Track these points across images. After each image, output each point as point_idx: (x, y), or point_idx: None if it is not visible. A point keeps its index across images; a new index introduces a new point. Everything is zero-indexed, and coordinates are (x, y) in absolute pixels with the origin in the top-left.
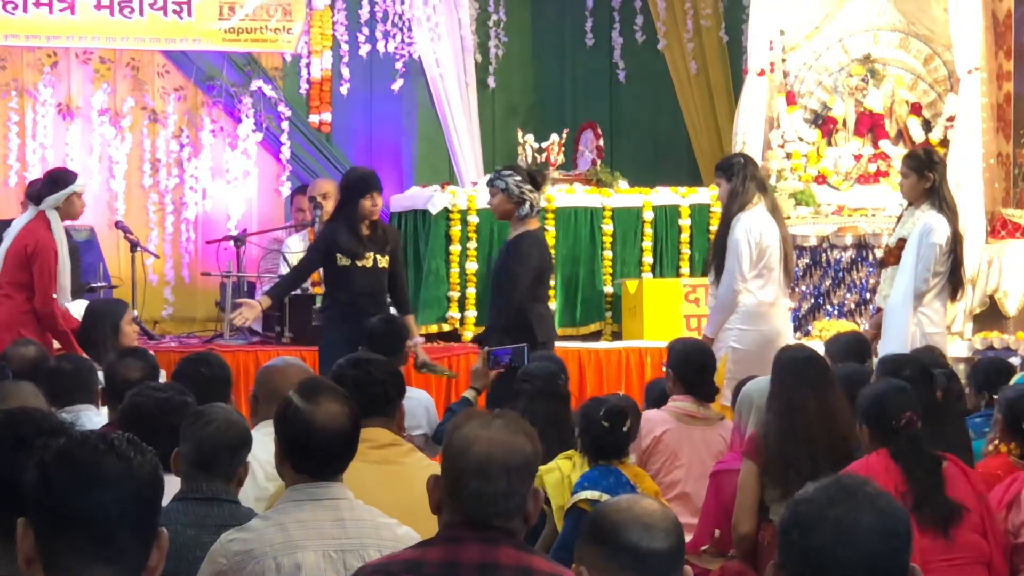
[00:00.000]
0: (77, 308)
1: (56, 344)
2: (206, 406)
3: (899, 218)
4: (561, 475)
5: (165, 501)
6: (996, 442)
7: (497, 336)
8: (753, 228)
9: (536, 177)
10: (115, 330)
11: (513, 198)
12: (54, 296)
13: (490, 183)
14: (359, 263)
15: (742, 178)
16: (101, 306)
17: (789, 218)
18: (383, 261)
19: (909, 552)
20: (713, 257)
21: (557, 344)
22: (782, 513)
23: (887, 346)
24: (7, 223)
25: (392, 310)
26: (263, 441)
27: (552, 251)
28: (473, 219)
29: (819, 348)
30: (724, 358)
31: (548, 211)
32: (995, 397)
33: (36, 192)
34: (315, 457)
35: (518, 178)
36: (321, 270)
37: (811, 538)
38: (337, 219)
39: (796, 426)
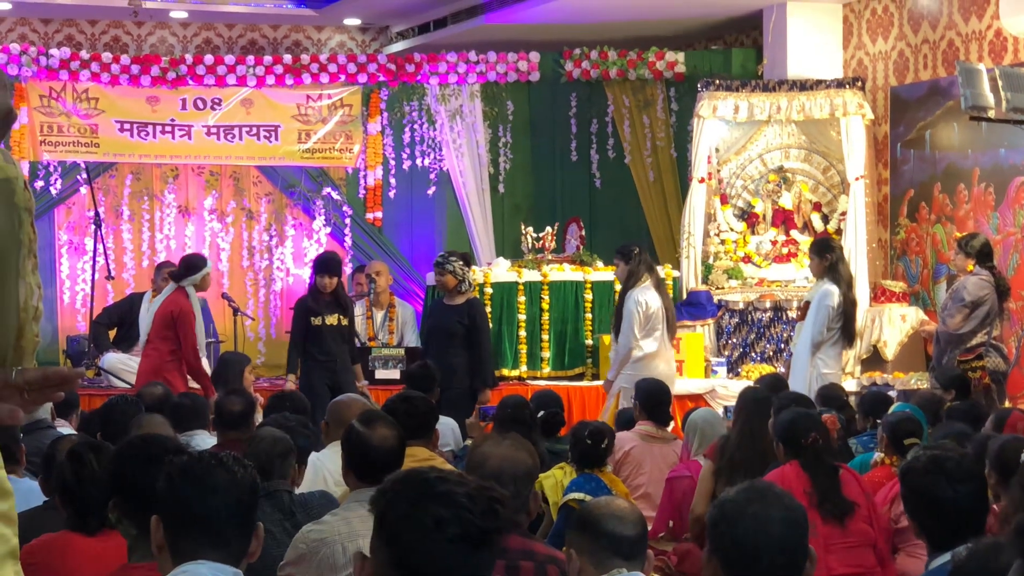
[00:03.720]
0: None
1: (192, 384)
2: (262, 430)
3: (810, 288)
4: (555, 480)
5: None
6: (882, 455)
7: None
8: (641, 300)
9: (468, 258)
10: (240, 375)
11: (457, 277)
12: (199, 348)
13: (439, 266)
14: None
15: (637, 262)
16: (231, 356)
17: (723, 288)
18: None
19: (807, 537)
20: (614, 320)
21: (552, 383)
22: (711, 511)
23: (793, 383)
24: (141, 295)
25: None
26: (333, 456)
27: (547, 313)
28: (488, 290)
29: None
30: (618, 395)
31: (544, 283)
32: (879, 421)
33: (177, 272)
34: (372, 468)
35: (461, 262)
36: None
37: (735, 529)
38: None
39: (750, 442)
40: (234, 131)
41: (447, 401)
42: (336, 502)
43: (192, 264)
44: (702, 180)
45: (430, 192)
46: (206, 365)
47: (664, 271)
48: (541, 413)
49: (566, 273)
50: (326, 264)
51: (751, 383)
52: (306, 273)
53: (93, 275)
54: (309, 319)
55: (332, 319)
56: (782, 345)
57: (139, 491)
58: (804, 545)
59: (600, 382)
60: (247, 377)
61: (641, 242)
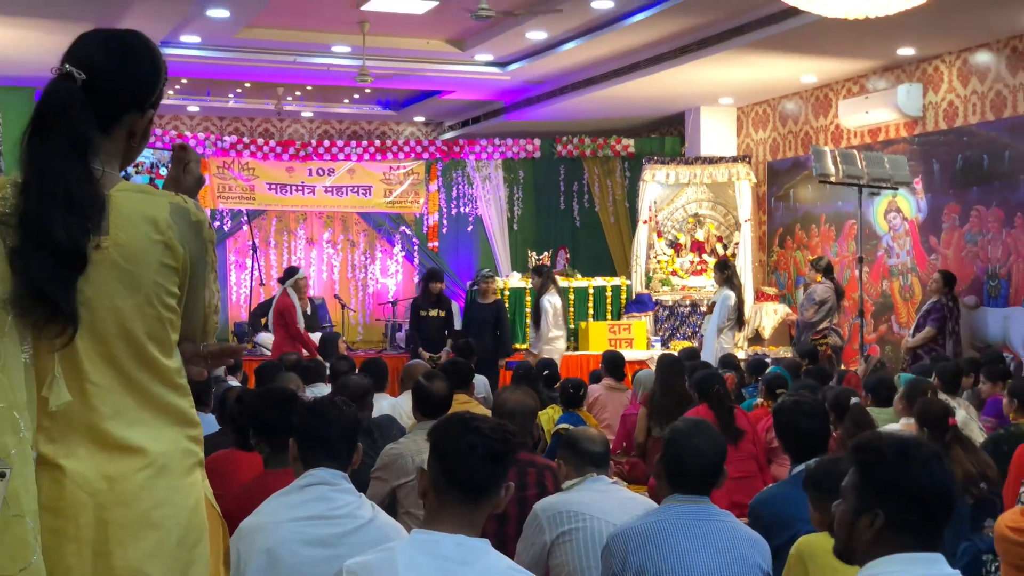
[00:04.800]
0: (316, 338)
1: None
2: (350, 378)
3: (714, 293)
4: (549, 416)
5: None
6: (761, 400)
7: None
8: (552, 301)
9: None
10: (335, 346)
11: (495, 285)
12: (299, 327)
13: (487, 278)
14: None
15: (546, 277)
16: (328, 335)
17: (658, 292)
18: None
19: (724, 460)
20: (533, 316)
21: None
22: (665, 434)
23: (705, 354)
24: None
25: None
26: (406, 401)
27: None
28: (506, 293)
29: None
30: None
31: None
32: (759, 378)
33: (281, 278)
34: (431, 408)
35: (494, 276)
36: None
37: (679, 450)
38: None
39: (668, 393)
40: (343, 189)
41: (482, 365)
42: (396, 421)
43: (289, 272)
44: (645, 222)
45: (469, 229)
46: (315, 338)
47: (620, 281)
48: (545, 372)
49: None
50: (436, 274)
51: (674, 352)
52: (391, 282)
53: (251, 283)
54: (419, 312)
55: (435, 312)
56: (696, 329)
57: (271, 422)
58: (721, 465)
59: (581, 352)
60: (341, 346)
61: (547, 265)
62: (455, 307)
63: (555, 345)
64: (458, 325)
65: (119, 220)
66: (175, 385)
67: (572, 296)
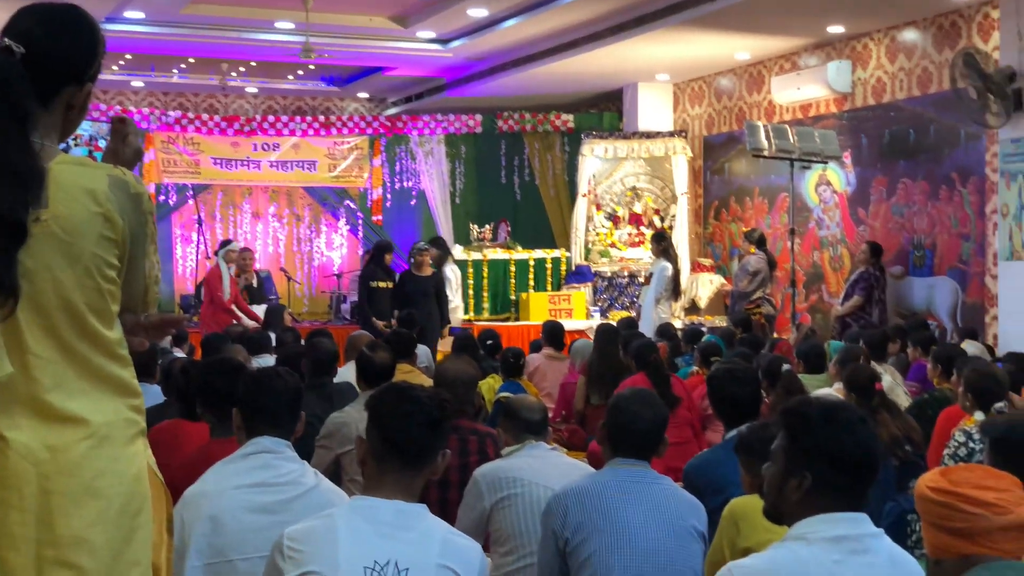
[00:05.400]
0: (261, 310)
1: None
2: (314, 342)
3: (651, 264)
4: (489, 385)
5: None
6: (696, 368)
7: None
8: (453, 272)
9: (441, 244)
10: (281, 318)
11: (434, 257)
12: (223, 295)
13: (423, 250)
14: (382, 285)
15: (444, 252)
16: (273, 307)
17: (597, 263)
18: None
19: (664, 429)
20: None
21: (490, 323)
22: (610, 401)
23: (642, 324)
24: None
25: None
26: (351, 371)
27: (486, 279)
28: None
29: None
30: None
31: (484, 261)
32: (695, 347)
33: (216, 251)
34: (375, 377)
35: (435, 249)
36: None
37: (622, 416)
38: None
39: (606, 362)
40: (288, 164)
41: (425, 335)
42: (355, 388)
43: (223, 244)
44: (585, 195)
45: (412, 203)
46: (260, 311)
47: (560, 253)
48: (489, 342)
49: (498, 254)
50: (390, 245)
51: (612, 322)
52: (335, 255)
53: (196, 256)
54: (370, 283)
55: (385, 283)
56: (635, 299)
57: (217, 392)
58: (662, 433)
59: (521, 323)
60: (286, 318)
61: (442, 238)
62: (448, 278)
63: (456, 315)
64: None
65: (59, 193)
66: (116, 355)
67: (513, 268)
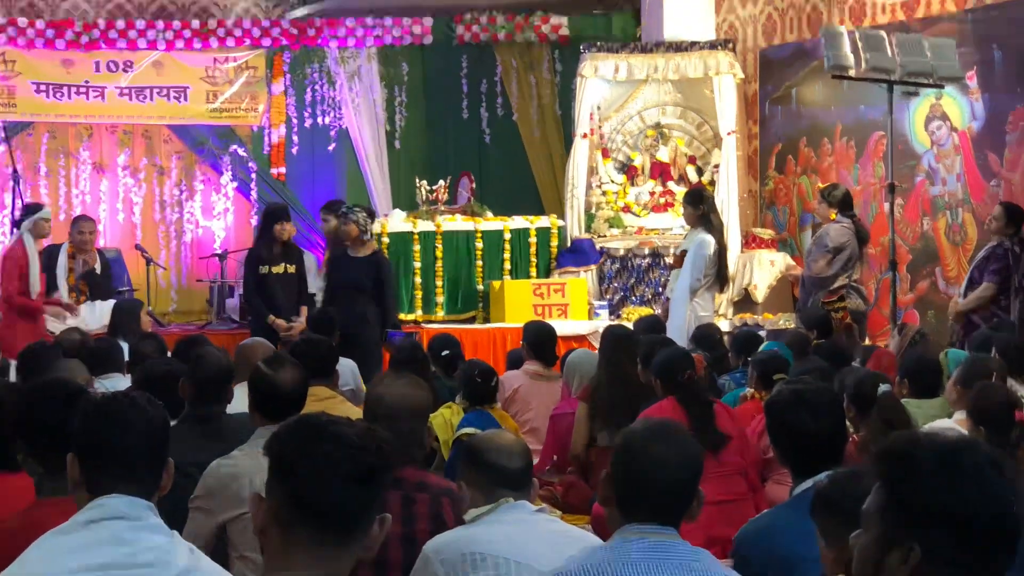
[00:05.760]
0: (107, 307)
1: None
2: (201, 353)
3: (685, 236)
4: (444, 419)
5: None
6: (752, 391)
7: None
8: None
9: (373, 214)
10: (136, 320)
11: (360, 228)
12: (13, 286)
13: (344, 216)
14: (274, 270)
15: (366, 224)
16: (125, 304)
17: (604, 236)
18: (291, 269)
19: (699, 479)
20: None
21: (446, 326)
22: (617, 440)
23: (671, 325)
24: (58, 247)
25: None
26: (239, 396)
27: (440, 261)
28: (385, 239)
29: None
30: None
31: (437, 233)
32: (749, 359)
33: (17, 220)
34: (278, 407)
35: (364, 214)
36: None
37: (634, 463)
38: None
39: (618, 379)
40: (145, 92)
41: (360, 349)
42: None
43: (29, 210)
44: (585, 136)
45: (330, 148)
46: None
47: (549, 221)
48: (444, 353)
49: (458, 223)
50: (280, 211)
51: (627, 324)
52: (215, 226)
53: (12, 229)
54: (258, 268)
55: (280, 268)
56: (660, 289)
57: (45, 430)
58: (695, 486)
59: (492, 325)
60: (144, 320)
61: (343, 201)
62: (311, 260)
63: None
64: (314, 286)
65: None
66: None
67: (479, 243)
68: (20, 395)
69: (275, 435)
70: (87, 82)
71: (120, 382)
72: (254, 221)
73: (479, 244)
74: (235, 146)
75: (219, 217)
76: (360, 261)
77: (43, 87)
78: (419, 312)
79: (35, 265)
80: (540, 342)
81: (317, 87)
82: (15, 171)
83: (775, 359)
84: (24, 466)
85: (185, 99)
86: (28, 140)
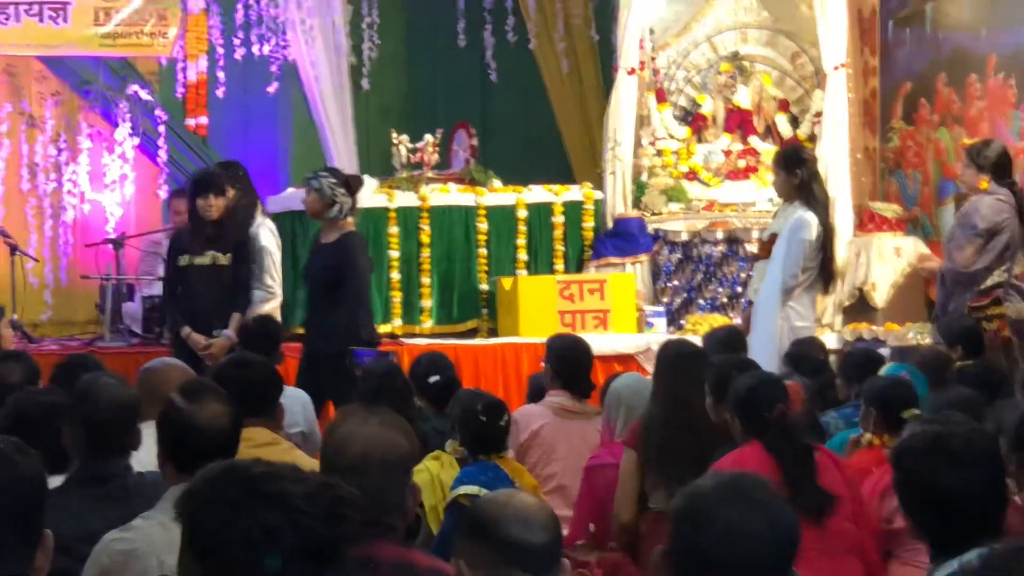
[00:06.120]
0: None
1: None
2: (91, 383)
3: (775, 215)
4: (431, 475)
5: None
6: (869, 436)
7: (365, 333)
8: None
9: (351, 182)
10: None
11: (325, 199)
12: None
13: (306, 182)
14: (197, 262)
15: (249, 191)
16: None
17: (660, 214)
18: (222, 260)
19: (795, 555)
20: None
21: (435, 341)
22: (676, 502)
23: (755, 340)
24: None
25: None
26: (147, 442)
27: (427, 249)
28: (349, 218)
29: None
30: None
31: (423, 210)
32: (865, 388)
33: None
34: (198, 456)
35: (333, 180)
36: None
37: (701, 535)
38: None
39: (681, 417)
40: (8, 10)
41: (325, 370)
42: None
43: None
44: (632, 71)
45: (271, 89)
46: None
47: (582, 191)
48: (435, 379)
49: (452, 196)
50: (210, 179)
51: (692, 338)
52: (107, 199)
53: None
54: (178, 258)
55: (205, 259)
56: (739, 289)
57: None
58: (786, 568)
59: (500, 339)
60: (5, 334)
61: (238, 163)
62: (265, 248)
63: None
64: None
65: None
66: None
67: (483, 223)
68: None
69: (188, 493)
70: None
71: None
72: (164, 193)
73: (482, 225)
74: (135, 86)
75: (113, 187)
76: (327, 249)
77: None
78: (397, 322)
79: None
80: (569, 364)
81: (252, 2)
82: None
83: (899, 387)
84: None
85: (65, 20)
86: None
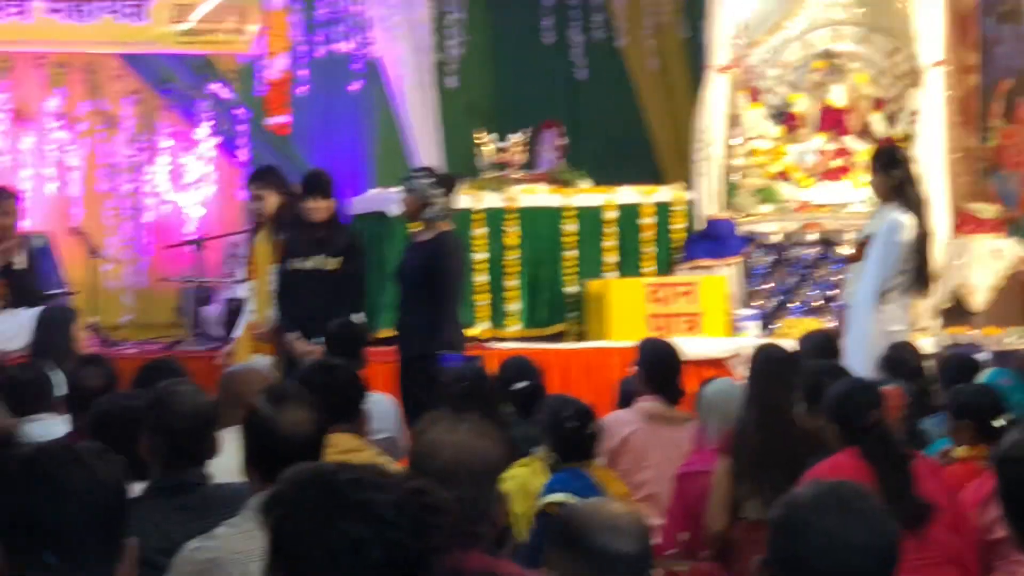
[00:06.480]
0: (30, 316)
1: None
2: (168, 391)
3: (870, 216)
4: (520, 482)
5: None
6: (963, 450)
7: (448, 337)
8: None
9: (447, 180)
10: (69, 337)
11: (420, 200)
12: None
13: (403, 182)
14: (304, 266)
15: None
16: (51, 314)
17: (752, 216)
18: (331, 265)
19: (894, 570)
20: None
21: (521, 345)
22: (774, 511)
23: (850, 344)
24: None
25: None
26: (226, 447)
27: (514, 251)
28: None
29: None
30: None
31: (510, 211)
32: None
33: None
34: (281, 463)
35: (429, 181)
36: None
37: (799, 545)
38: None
39: (775, 423)
40: (86, 7)
41: (414, 373)
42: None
43: None
44: (723, 69)
45: (354, 88)
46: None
47: (672, 192)
48: (522, 385)
49: (540, 197)
50: (318, 181)
51: (784, 343)
52: (186, 200)
53: None
54: (289, 262)
55: (312, 263)
56: (833, 292)
57: None
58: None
59: (589, 343)
60: (81, 336)
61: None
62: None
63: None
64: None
65: None
66: None
67: (573, 226)
68: None
69: (271, 500)
70: None
71: (54, 427)
72: (243, 194)
73: (570, 227)
74: (215, 85)
75: (192, 188)
76: (420, 248)
77: None
78: (484, 325)
79: None
80: (660, 369)
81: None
82: None
83: (987, 396)
84: None
85: (144, 16)
86: None
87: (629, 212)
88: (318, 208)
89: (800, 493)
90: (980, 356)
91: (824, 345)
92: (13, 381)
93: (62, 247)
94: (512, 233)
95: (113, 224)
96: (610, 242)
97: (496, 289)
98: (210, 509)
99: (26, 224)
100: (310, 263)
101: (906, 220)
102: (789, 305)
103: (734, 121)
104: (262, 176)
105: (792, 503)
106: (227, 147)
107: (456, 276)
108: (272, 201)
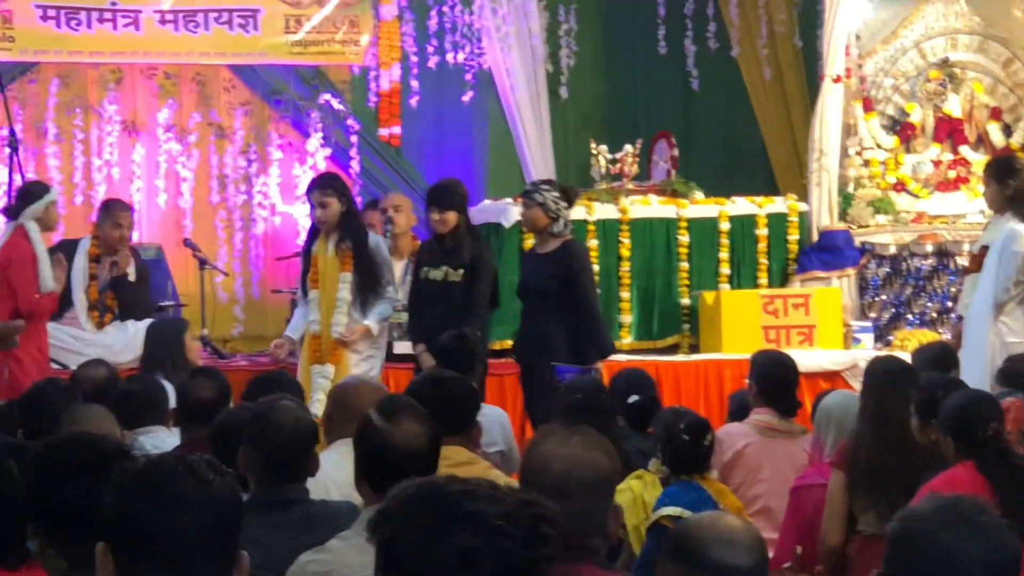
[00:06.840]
0: (141, 328)
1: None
2: (269, 407)
3: (986, 227)
4: (633, 495)
5: None
6: None
7: (599, 344)
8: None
9: (569, 193)
10: (180, 348)
11: (549, 213)
12: (37, 297)
13: (527, 196)
14: (432, 275)
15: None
16: (162, 326)
17: (867, 227)
18: (455, 276)
19: None
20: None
21: (634, 357)
22: (893, 525)
23: (966, 356)
24: (75, 243)
25: None
26: (336, 459)
27: (627, 263)
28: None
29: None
30: None
31: (623, 222)
32: None
33: (12, 207)
34: (394, 477)
35: (556, 194)
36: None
37: (918, 559)
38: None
39: (891, 436)
40: (198, 18)
41: (539, 383)
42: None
43: (26, 194)
44: (838, 79)
45: (466, 99)
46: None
47: (786, 203)
48: (634, 398)
49: (653, 208)
50: (446, 192)
51: (901, 355)
52: (298, 211)
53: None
54: (418, 272)
55: (439, 273)
56: (949, 303)
57: (68, 510)
58: None
59: (702, 356)
60: (191, 347)
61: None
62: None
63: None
64: None
65: None
66: None
67: (685, 235)
68: (28, 460)
69: (381, 514)
70: (114, 3)
71: (166, 439)
72: (361, 199)
73: (683, 238)
74: (327, 96)
75: (304, 199)
76: (544, 258)
77: (51, 12)
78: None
79: (46, 266)
80: (775, 382)
81: (446, 9)
82: (12, 133)
83: None
84: (41, 560)
85: (255, 28)
86: (30, 88)
87: (743, 223)
88: (439, 220)
89: (919, 507)
90: None
91: (941, 357)
92: (125, 393)
93: (173, 259)
94: (625, 244)
95: (224, 236)
96: (723, 254)
97: (609, 301)
98: (313, 525)
99: (137, 236)
100: (438, 273)
101: (1023, 232)
102: (904, 317)
103: (849, 131)
104: (325, 183)
105: (911, 517)
106: (339, 158)
107: (593, 282)
108: (335, 209)
